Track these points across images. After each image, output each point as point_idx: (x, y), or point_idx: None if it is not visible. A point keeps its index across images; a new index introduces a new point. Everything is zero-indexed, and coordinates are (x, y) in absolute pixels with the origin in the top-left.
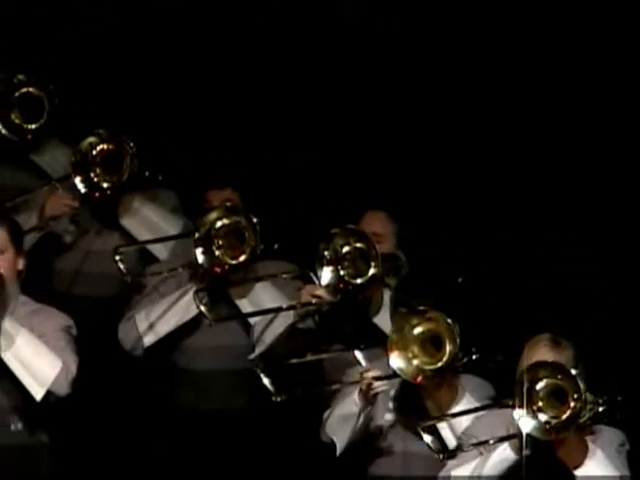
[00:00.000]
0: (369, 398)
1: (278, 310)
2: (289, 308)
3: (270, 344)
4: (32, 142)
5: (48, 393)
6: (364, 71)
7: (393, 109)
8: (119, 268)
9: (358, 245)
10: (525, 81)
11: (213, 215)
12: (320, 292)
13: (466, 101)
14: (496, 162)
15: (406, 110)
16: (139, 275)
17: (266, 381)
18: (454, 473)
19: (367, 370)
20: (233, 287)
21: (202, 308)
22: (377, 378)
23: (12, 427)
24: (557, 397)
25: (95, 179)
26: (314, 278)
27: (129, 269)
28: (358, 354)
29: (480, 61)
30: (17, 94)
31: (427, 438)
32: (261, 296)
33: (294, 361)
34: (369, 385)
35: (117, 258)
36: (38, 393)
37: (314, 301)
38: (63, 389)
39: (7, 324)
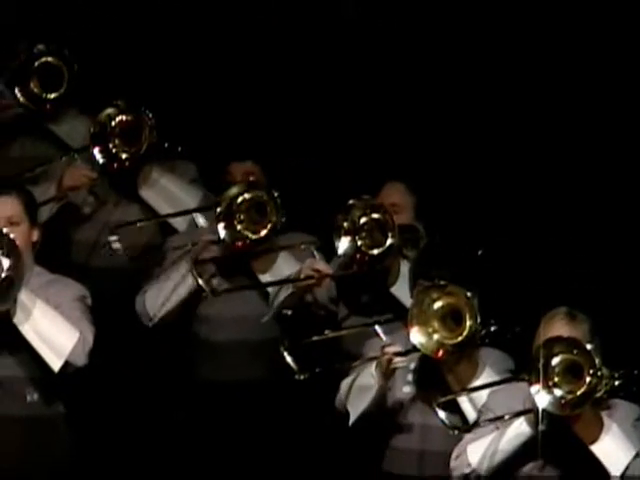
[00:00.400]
0: (387, 373)
1: (280, 282)
2: (291, 281)
3: (274, 311)
4: (51, 112)
5: (66, 364)
6: (365, 69)
7: (397, 102)
8: (111, 247)
9: (375, 216)
10: (524, 80)
11: (234, 190)
12: (320, 266)
13: (470, 94)
14: (514, 136)
15: (409, 104)
16: (149, 251)
17: (289, 359)
18: (470, 447)
19: (388, 345)
20: (255, 260)
21: (199, 281)
22: (398, 354)
23: (28, 398)
24: (573, 372)
25: (114, 150)
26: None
27: (126, 247)
28: (378, 328)
29: (481, 58)
30: (37, 64)
31: (442, 414)
32: (282, 268)
33: (315, 338)
34: (389, 360)
35: (113, 238)
36: (56, 364)
37: (315, 275)
38: (81, 360)
39: (23, 295)
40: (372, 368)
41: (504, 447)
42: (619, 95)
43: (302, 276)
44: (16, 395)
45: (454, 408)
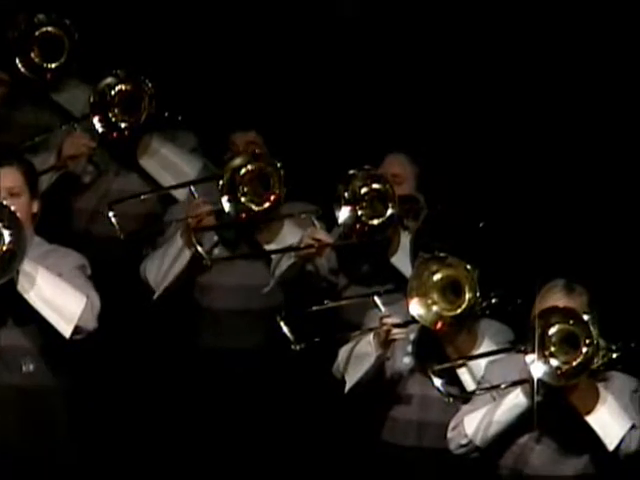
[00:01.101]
0: (386, 344)
1: (281, 251)
2: (292, 249)
3: (276, 280)
4: (52, 81)
5: (75, 330)
6: (364, 69)
7: (401, 76)
8: (112, 224)
9: (376, 186)
10: (523, 79)
11: (237, 161)
12: (321, 236)
13: (468, 95)
14: (514, 108)
15: (413, 78)
16: (150, 221)
17: (285, 330)
18: (466, 419)
19: (387, 316)
20: (258, 230)
21: (199, 248)
22: (396, 325)
23: (23, 368)
24: (569, 343)
25: (113, 119)
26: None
27: (122, 225)
28: (377, 299)
29: (481, 58)
30: (37, 33)
31: (437, 381)
32: (287, 238)
33: (314, 308)
34: (388, 331)
35: (111, 214)
36: (67, 330)
37: (315, 244)
38: (91, 324)
39: (26, 265)
40: (370, 337)
41: (500, 418)
42: (618, 83)
43: (302, 245)
44: (13, 365)
45: (454, 380)
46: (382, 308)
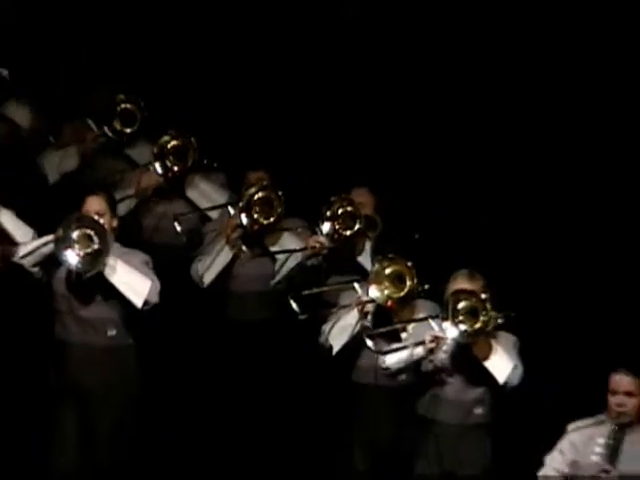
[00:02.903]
0: (362, 314)
1: (293, 251)
2: (300, 250)
3: (284, 275)
4: (127, 140)
5: (144, 303)
6: (365, 69)
7: (392, 106)
8: (177, 230)
9: (349, 209)
10: (522, 77)
11: (252, 190)
12: (321, 240)
13: (466, 98)
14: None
15: (404, 106)
16: (193, 233)
17: (294, 305)
18: (388, 356)
19: (360, 296)
20: (267, 237)
21: (243, 248)
22: (366, 302)
23: (108, 333)
24: (472, 314)
25: (169, 164)
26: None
27: (185, 230)
28: (356, 285)
29: (480, 59)
30: (119, 109)
31: (369, 343)
32: (286, 242)
33: (306, 292)
34: (362, 305)
35: (176, 223)
36: (138, 302)
37: (317, 245)
38: (154, 298)
39: (110, 259)
40: (355, 310)
41: (401, 356)
42: (596, 90)
43: (309, 246)
44: (100, 330)
45: (396, 342)
46: (359, 291)
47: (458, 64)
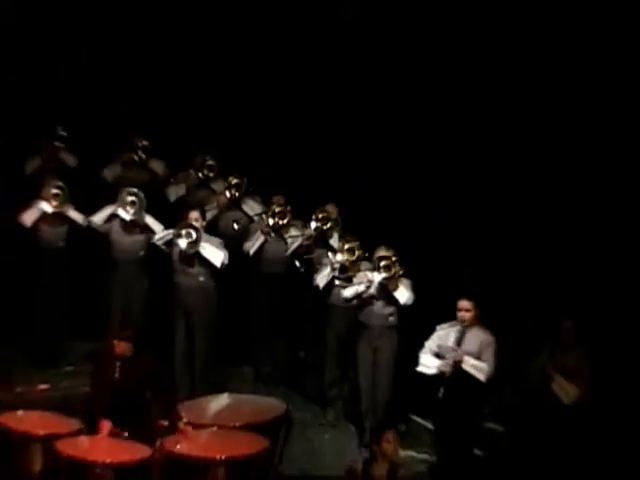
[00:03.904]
0: (332, 269)
1: (297, 236)
2: (301, 236)
3: (293, 249)
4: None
5: (221, 264)
6: (364, 69)
7: (392, 106)
8: (234, 228)
9: (325, 214)
10: (520, 78)
11: (273, 206)
12: (311, 231)
13: (465, 98)
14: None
15: (405, 108)
16: (244, 228)
17: (297, 263)
18: (346, 292)
19: (331, 260)
20: (282, 229)
21: (271, 235)
22: (335, 262)
23: (200, 279)
24: (387, 268)
25: (233, 191)
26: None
27: (239, 227)
28: (330, 254)
29: (480, 60)
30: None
31: (337, 282)
32: (292, 232)
33: (304, 257)
34: (332, 264)
35: (234, 224)
36: (217, 264)
37: (309, 235)
38: (226, 262)
39: (202, 242)
40: (329, 267)
41: (350, 290)
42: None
43: (307, 235)
44: (196, 278)
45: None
46: (331, 257)
47: (458, 64)
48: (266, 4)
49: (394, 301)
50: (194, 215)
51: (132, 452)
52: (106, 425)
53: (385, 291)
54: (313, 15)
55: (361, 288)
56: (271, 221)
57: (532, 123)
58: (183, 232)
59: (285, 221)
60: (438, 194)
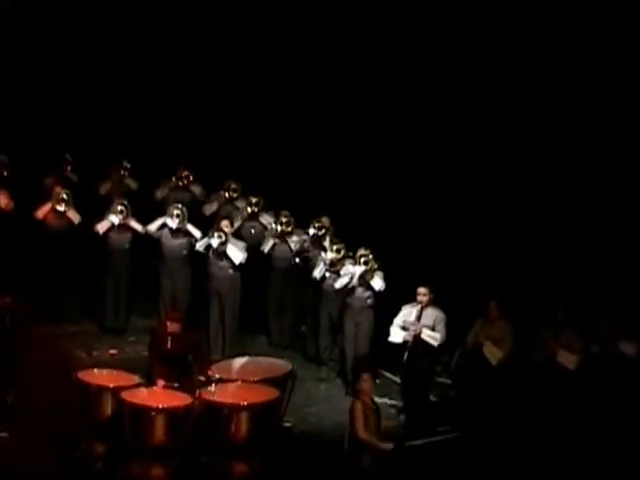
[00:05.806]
0: (325, 265)
1: (300, 241)
2: (300, 240)
3: (296, 249)
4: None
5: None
6: (364, 69)
7: (392, 105)
8: (251, 232)
9: (320, 224)
10: (519, 79)
11: (281, 217)
12: (309, 237)
13: (465, 101)
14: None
15: (404, 109)
16: (261, 233)
17: (299, 261)
18: (336, 283)
19: (324, 258)
20: (286, 235)
21: (277, 240)
22: (327, 259)
23: (229, 271)
24: (366, 263)
25: (254, 208)
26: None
27: (256, 232)
28: (322, 253)
29: (480, 61)
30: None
31: (327, 274)
32: (295, 238)
33: (303, 255)
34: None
35: (252, 230)
36: (237, 261)
37: (310, 239)
38: (244, 261)
39: (229, 244)
40: (322, 264)
41: (342, 281)
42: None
43: (307, 239)
44: (226, 270)
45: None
46: (324, 255)
47: (458, 65)
48: (266, 5)
49: (371, 288)
50: (224, 223)
51: (178, 400)
52: (160, 380)
53: (364, 280)
54: (313, 15)
55: (346, 280)
56: (280, 229)
57: (532, 123)
58: (216, 234)
59: (290, 229)
60: (438, 194)
